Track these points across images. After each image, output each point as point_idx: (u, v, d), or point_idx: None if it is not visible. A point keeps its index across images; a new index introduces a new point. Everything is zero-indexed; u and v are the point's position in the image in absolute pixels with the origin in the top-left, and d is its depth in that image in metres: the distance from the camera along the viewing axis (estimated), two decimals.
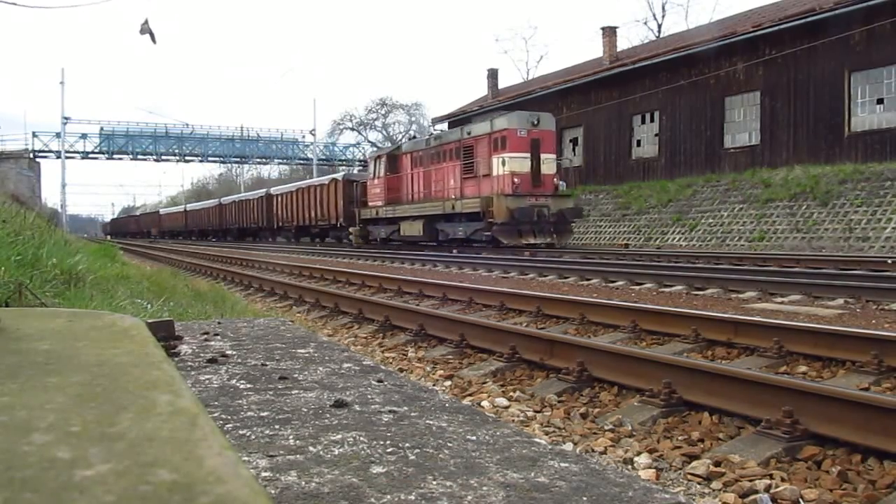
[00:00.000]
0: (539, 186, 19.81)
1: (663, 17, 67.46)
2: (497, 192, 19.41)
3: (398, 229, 24.66)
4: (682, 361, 3.88)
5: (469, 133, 21.65)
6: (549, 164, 20.19)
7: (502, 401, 3.89)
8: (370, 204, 26.78)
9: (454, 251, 19.49)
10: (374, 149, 26.97)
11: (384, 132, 61.13)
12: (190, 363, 2.59)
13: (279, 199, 37.66)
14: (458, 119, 37.31)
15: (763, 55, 21.69)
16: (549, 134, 20.47)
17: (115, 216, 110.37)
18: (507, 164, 19.47)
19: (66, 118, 47.49)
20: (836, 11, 19.07)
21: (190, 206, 58.16)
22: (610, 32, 29.90)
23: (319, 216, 31.96)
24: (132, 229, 77.44)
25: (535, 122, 20.07)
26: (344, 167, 51.93)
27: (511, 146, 19.64)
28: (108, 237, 59.17)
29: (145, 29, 3.76)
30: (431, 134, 25.27)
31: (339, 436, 1.70)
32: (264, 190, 41.89)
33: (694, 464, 2.81)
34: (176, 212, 62.07)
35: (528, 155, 19.84)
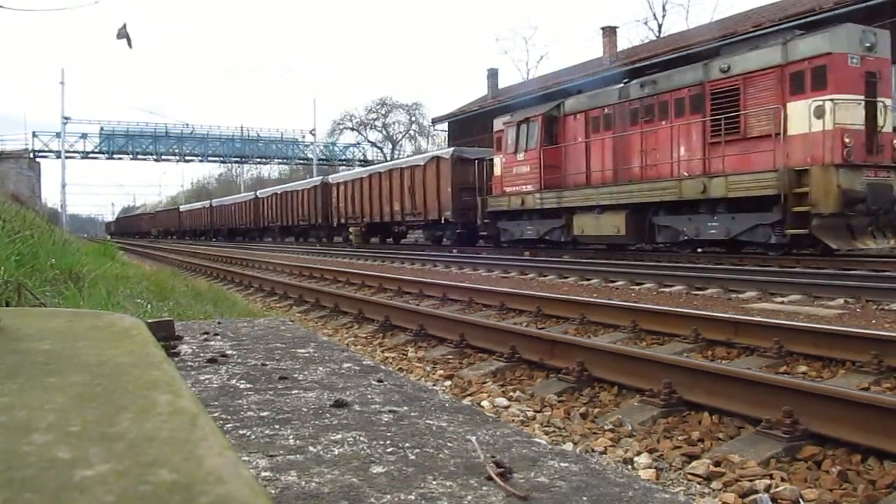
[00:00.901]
0: (877, 154, 11.90)
1: (664, 16, 67.38)
2: (814, 161, 11.58)
3: (565, 226, 16.68)
4: (683, 361, 3.88)
5: (725, 69, 13.20)
6: (886, 115, 12.06)
7: (502, 401, 3.89)
8: (506, 190, 18.44)
9: (454, 251, 19.46)
10: (507, 116, 18.91)
11: (384, 132, 61.15)
12: (190, 363, 2.59)
13: (341, 189, 29.92)
14: (458, 119, 37.34)
15: None
16: (886, 65, 12.39)
17: (121, 214, 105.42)
18: (835, 114, 11.40)
19: (66, 118, 47.49)
20: (836, 11, 19.07)
21: (217, 202, 50.88)
22: (610, 32, 29.92)
23: (410, 209, 24.01)
24: (144, 228, 70.45)
25: (870, 45, 11.92)
26: (344, 167, 51.81)
27: (836, 82, 11.53)
28: (109, 237, 57.94)
29: (122, 33, 3.74)
30: (628, 81, 16.19)
31: (339, 436, 1.70)
32: (318, 178, 34.50)
33: (694, 464, 2.81)
34: (199, 208, 54.80)
35: (863, 97, 11.75)
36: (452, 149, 23.30)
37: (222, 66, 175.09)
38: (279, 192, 38.19)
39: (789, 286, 8.31)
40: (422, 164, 23.75)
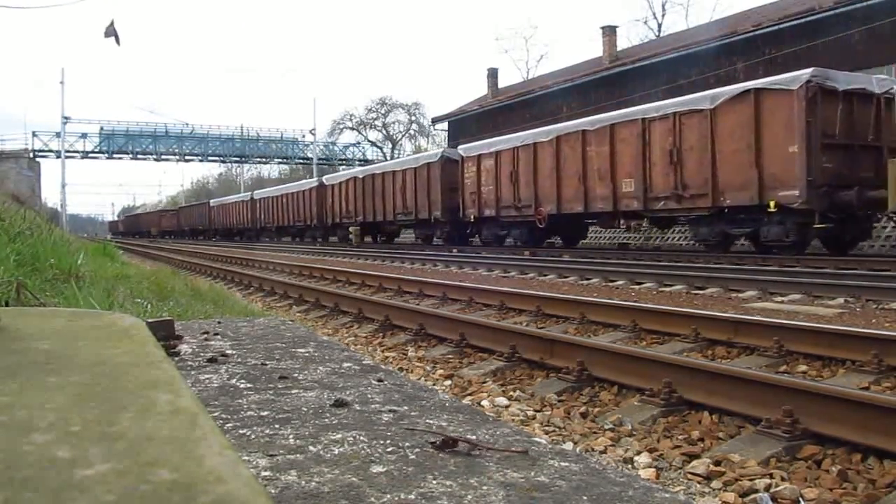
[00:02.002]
0: None
1: (663, 16, 67.33)
2: None
3: None
4: (683, 361, 3.88)
5: None
6: None
7: (502, 400, 3.89)
8: None
9: (454, 250, 19.45)
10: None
11: (384, 131, 61.15)
12: (190, 362, 2.59)
13: (484, 164, 19.93)
14: (458, 118, 37.35)
15: (763, 54, 21.70)
16: None
17: (128, 212, 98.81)
18: None
19: (65, 118, 47.46)
20: (836, 11, 19.08)
21: (261, 194, 41.96)
22: (610, 32, 29.92)
23: (674, 186, 14.10)
24: (164, 227, 62.54)
25: None
26: (344, 166, 51.70)
27: None
28: (109, 237, 56.64)
29: (110, 31, 3.75)
30: None
31: (339, 435, 1.70)
32: (437, 152, 24.26)
33: (694, 463, 2.81)
34: (235, 202, 45.78)
35: None
36: (767, 80, 12.86)
37: (222, 66, 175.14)
38: (360, 176, 28.07)
39: (789, 285, 8.31)
40: (680, 111, 13.77)
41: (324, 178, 32.87)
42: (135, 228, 73.68)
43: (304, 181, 38.51)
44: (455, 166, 21.47)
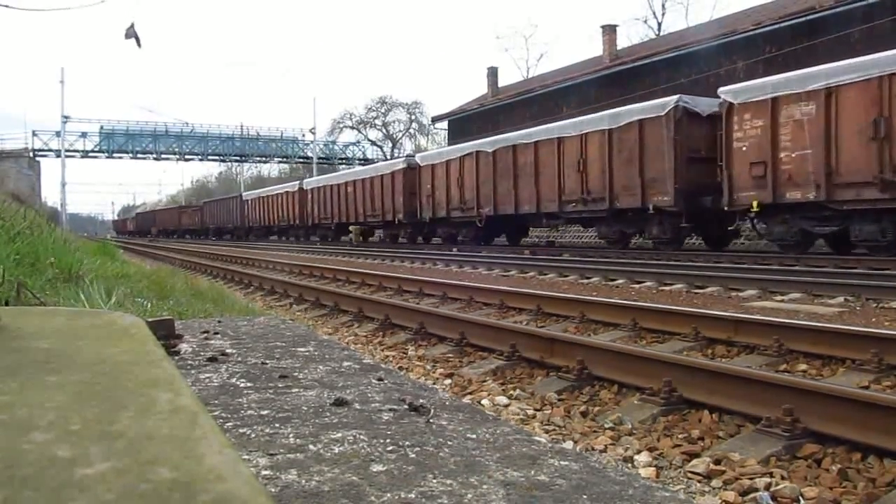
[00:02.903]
0: None
1: (663, 14, 67.13)
2: None
3: None
4: (683, 360, 3.88)
5: None
6: None
7: (502, 399, 3.89)
8: None
9: (454, 249, 19.45)
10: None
11: (384, 130, 61.12)
12: (190, 361, 2.59)
13: (773, 112, 11.92)
14: (458, 117, 37.37)
15: (763, 53, 21.70)
16: None
17: (131, 210, 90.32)
18: None
19: (65, 117, 47.43)
20: (837, 10, 19.07)
21: (311, 183, 33.20)
22: (610, 31, 29.91)
23: None
24: (185, 226, 56.25)
25: None
26: (344, 165, 51.64)
27: None
28: (109, 236, 55.72)
29: (131, 33, 3.77)
30: None
31: (340, 434, 1.70)
32: (657, 102, 14.65)
33: (694, 462, 2.81)
34: (279, 194, 36.99)
35: None
36: None
37: (222, 60, 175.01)
38: (489, 149, 19.28)
39: (789, 284, 8.31)
40: None
41: (417, 157, 24.31)
42: (149, 227, 65.07)
43: (381, 163, 29.93)
44: (701, 123, 13.50)
